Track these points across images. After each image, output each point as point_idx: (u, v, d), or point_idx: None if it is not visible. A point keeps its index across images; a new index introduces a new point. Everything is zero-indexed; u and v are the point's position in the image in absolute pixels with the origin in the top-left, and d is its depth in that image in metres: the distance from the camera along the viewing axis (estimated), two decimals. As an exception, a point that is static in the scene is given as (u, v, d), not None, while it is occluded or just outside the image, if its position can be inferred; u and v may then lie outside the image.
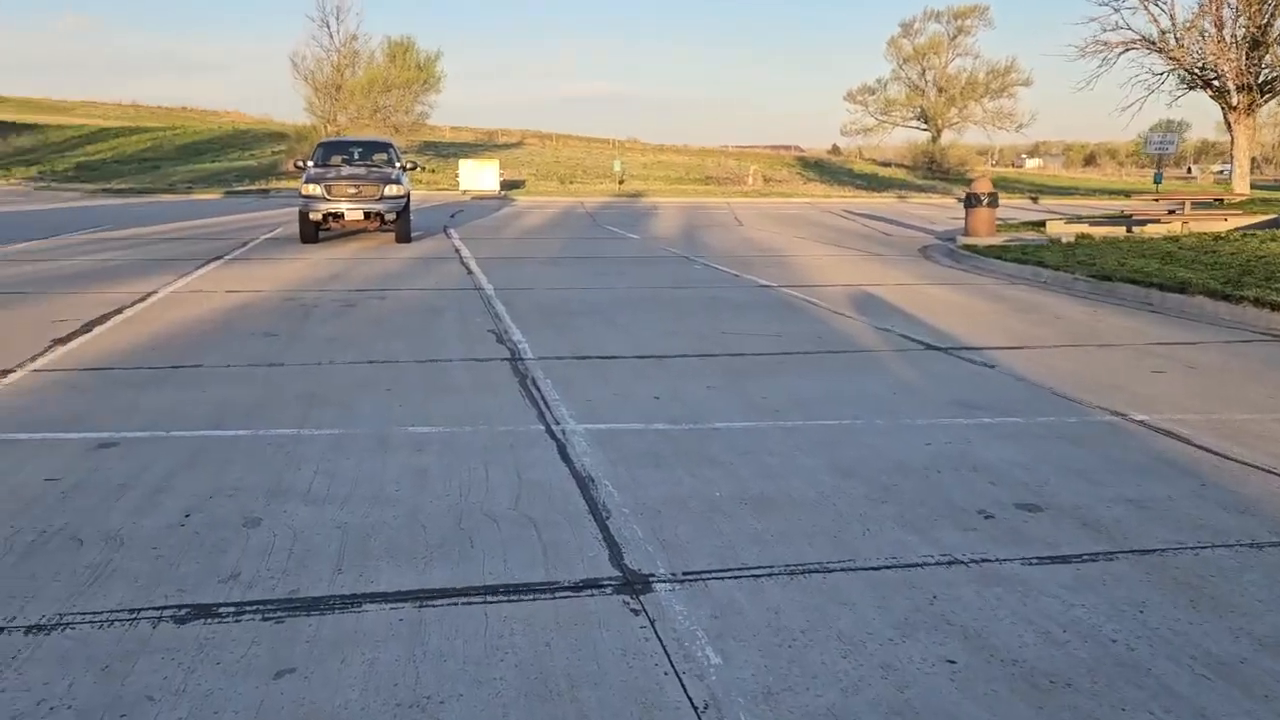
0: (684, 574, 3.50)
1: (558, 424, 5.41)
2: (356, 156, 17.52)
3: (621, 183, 40.60)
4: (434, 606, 3.23)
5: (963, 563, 3.63)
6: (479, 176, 36.32)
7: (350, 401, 5.83)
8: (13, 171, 40.89)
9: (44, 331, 7.80)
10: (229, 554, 3.61)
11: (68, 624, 3.07)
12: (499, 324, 8.55)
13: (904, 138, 64.35)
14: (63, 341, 7.39)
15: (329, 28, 46.16)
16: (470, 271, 12.46)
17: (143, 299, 9.59)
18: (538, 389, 6.20)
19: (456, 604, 3.25)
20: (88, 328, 7.98)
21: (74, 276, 11.35)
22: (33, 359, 6.77)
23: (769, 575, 3.50)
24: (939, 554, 3.70)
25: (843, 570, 3.55)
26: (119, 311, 8.82)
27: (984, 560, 3.65)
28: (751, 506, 4.18)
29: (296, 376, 6.45)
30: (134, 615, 3.13)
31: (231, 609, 3.19)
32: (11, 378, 6.24)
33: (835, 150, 70.66)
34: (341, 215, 15.48)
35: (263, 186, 36.04)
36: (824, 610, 3.23)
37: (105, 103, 72.90)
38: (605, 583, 3.43)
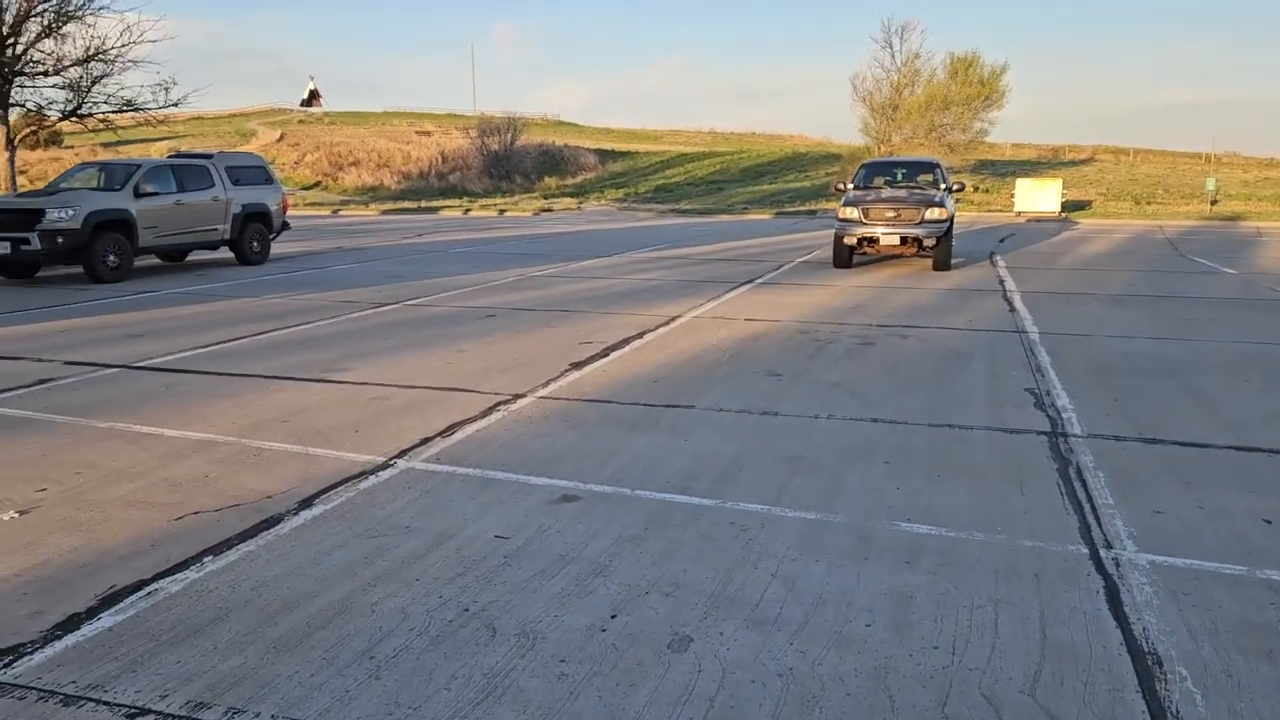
0: None
1: (1109, 548, 3.89)
2: (900, 177, 16.62)
3: (1214, 203, 34.52)
4: None
5: None
6: (1037, 197, 33.36)
7: (839, 472, 4.86)
8: (605, 194, 47.00)
9: (567, 353, 8.01)
10: (638, 692, 2.84)
11: (430, 763, 2.50)
12: (1040, 381, 6.98)
13: None
14: (578, 366, 7.46)
15: (891, 48, 46.00)
16: (1013, 308, 10.80)
17: (666, 323, 9.62)
18: (1084, 485, 4.66)
19: None
20: (605, 352, 8.05)
21: (615, 296, 11.94)
22: (545, 384, 6.86)
23: None
24: None
25: None
26: (640, 335, 8.86)
27: None
28: None
29: (787, 431, 5.65)
30: (501, 770, 2.47)
31: (612, 792, 2.38)
32: (520, 403, 6.30)
33: None
34: (876, 240, 14.65)
35: (811, 207, 36.88)
36: None
37: (688, 130, 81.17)
38: None
